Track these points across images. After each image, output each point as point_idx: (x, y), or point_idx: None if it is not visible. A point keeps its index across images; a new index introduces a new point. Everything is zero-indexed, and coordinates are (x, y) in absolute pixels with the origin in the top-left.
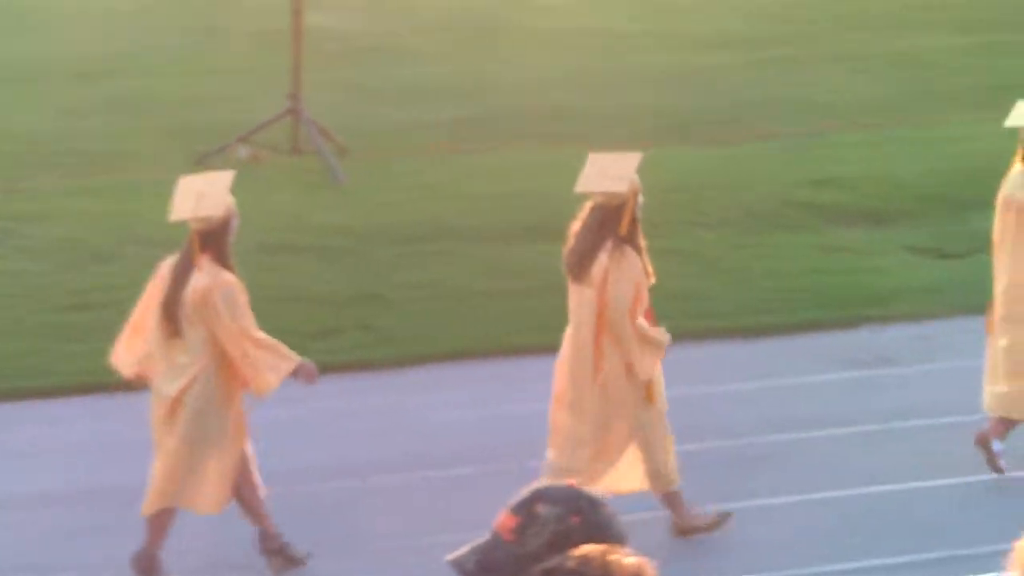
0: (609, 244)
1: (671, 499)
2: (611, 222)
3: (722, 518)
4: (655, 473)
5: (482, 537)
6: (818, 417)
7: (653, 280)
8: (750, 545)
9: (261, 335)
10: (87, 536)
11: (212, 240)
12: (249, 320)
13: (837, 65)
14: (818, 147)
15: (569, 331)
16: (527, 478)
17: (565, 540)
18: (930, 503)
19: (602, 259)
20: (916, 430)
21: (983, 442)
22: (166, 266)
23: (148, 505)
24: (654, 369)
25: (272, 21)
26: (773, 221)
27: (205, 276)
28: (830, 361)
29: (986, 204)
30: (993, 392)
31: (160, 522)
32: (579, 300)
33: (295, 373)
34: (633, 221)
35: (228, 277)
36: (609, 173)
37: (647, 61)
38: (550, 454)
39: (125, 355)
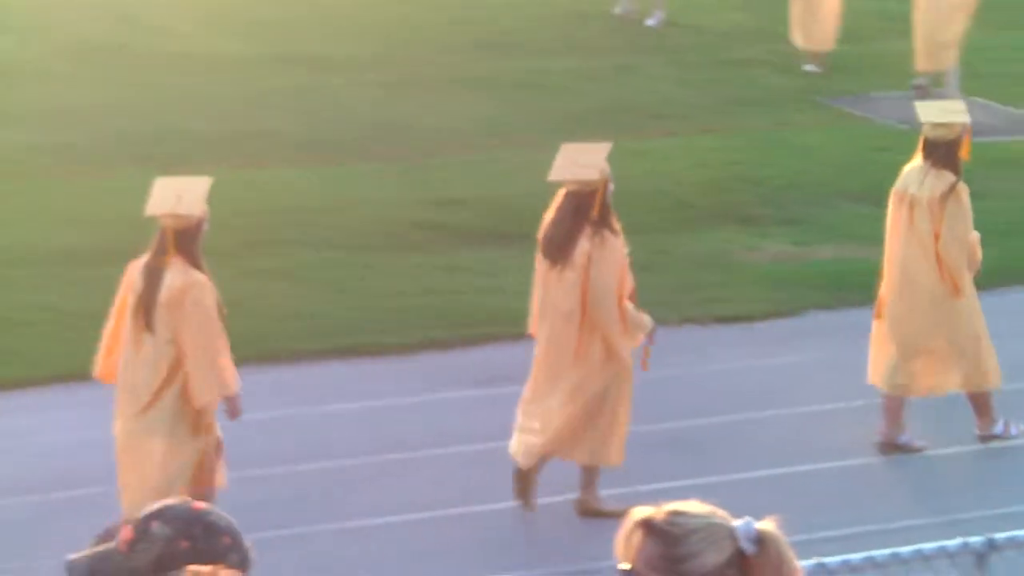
0: (588, 229)
1: (592, 475)
2: (586, 207)
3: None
4: (602, 448)
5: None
6: (432, 435)
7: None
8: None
9: (222, 346)
10: None
11: (186, 240)
12: (216, 326)
13: (458, 87)
14: (440, 168)
15: (543, 320)
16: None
17: (171, 561)
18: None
19: (583, 243)
20: None
21: (887, 444)
22: (134, 267)
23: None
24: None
25: None
26: (395, 241)
27: (179, 275)
28: (449, 380)
29: None
30: (884, 373)
31: None
32: (558, 285)
33: (229, 400)
34: (605, 206)
35: (200, 277)
36: (580, 161)
37: (264, 84)
38: (530, 436)
39: (109, 363)
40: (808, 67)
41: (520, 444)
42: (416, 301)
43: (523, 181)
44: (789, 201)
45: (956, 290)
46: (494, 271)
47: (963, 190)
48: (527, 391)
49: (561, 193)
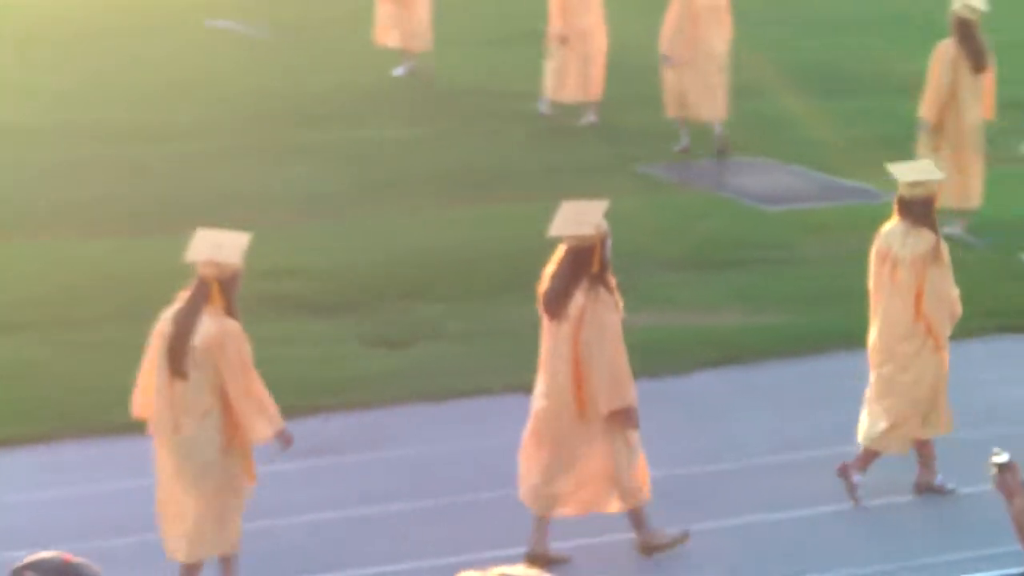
0: (585, 283)
1: (638, 516)
2: (584, 263)
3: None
4: (626, 491)
5: None
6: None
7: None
8: None
9: (261, 387)
10: None
11: (224, 289)
12: (253, 371)
13: (287, 156)
14: (275, 239)
15: (544, 369)
16: None
17: None
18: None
19: (578, 298)
20: (372, 517)
21: (844, 473)
22: (168, 314)
23: (187, 554)
24: (629, 399)
25: None
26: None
27: (214, 323)
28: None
29: (429, 291)
30: (867, 424)
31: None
32: (555, 337)
33: (279, 434)
34: (604, 261)
35: (236, 326)
36: (579, 218)
37: (63, 155)
38: (531, 485)
39: (144, 402)
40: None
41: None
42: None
43: (350, 250)
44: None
45: (938, 346)
46: (325, 341)
47: (944, 248)
48: (527, 442)
49: (561, 249)
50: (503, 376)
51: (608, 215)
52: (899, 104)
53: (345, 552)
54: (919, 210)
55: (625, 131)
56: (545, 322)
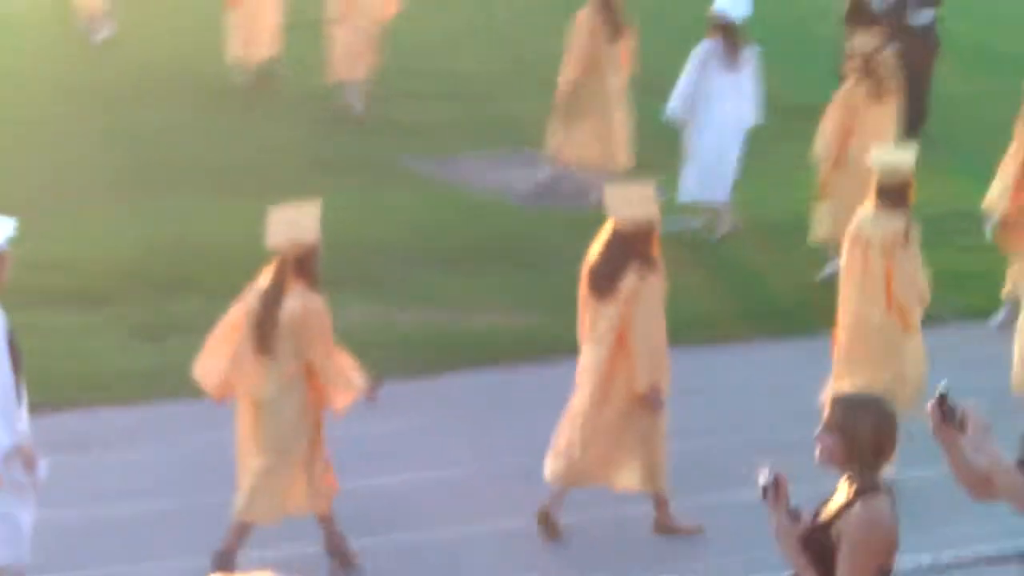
0: (635, 265)
1: (660, 499)
2: (637, 245)
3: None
4: (650, 474)
5: None
6: None
7: None
8: None
9: (343, 356)
10: None
11: (304, 265)
12: (332, 341)
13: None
14: (31, 228)
15: (588, 348)
16: None
17: None
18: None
19: (629, 279)
20: (116, 519)
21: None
22: (254, 290)
23: (241, 512)
24: (664, 383)
25: None
26: None
27: (298, 299)
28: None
29: (191, 284)
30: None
31: (244, 530)
32: (599, 316)
33: (363, 392)
34: (654, 244)
35: (319, 301)
36: (632, 200)
37: None
38: (560, 459)
39: (209, 370)
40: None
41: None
42: None
43: (118, 239)
44: (373, 265)
45: (907, 326)
46: (84, 333)
47: (914, 232)
48: (569, 413)
49: (608, 228)
50: None
51: (374, 210)
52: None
53: (74, 553)
54: (895, 194)
55: (398, 125)
56: (589, 302)
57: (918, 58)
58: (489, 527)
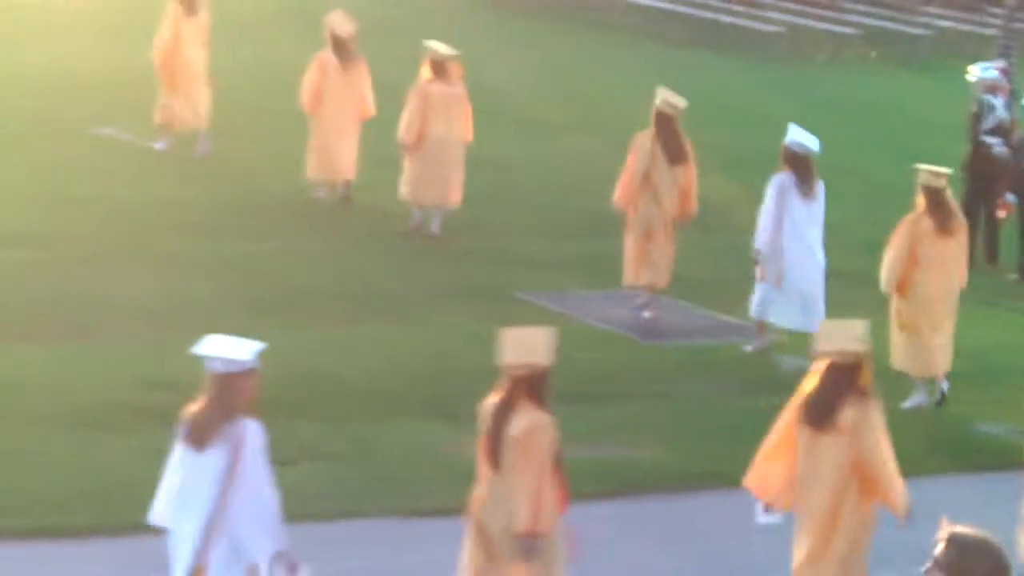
0: (852, 398)
1: None
2: (851, 376)
3: None
4: None
5: None
6: None
7: None
8: None
9: (547, 483)
10: None
11: (534, 385)
12: (547, 464)
13: (161, 265)
14: (150, 349)
15: (803, 489)
16: None
17: None
18: None
19: (847, 412)
20: None
21: None
22: (489, 406)
23: None
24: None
25: None
26: (102, 423)
27: (525, 417)
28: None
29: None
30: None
31: None
32: (818, 449)
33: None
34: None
35: (545, 419)
36: (845, 334)
37: None
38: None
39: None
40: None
41: None
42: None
43: None
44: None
45: None
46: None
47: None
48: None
49: (824, 363)
50: (384, 499)
51: (491, 340)
52: None
53: None
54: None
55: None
56: (804, 437)
57: None
58: None
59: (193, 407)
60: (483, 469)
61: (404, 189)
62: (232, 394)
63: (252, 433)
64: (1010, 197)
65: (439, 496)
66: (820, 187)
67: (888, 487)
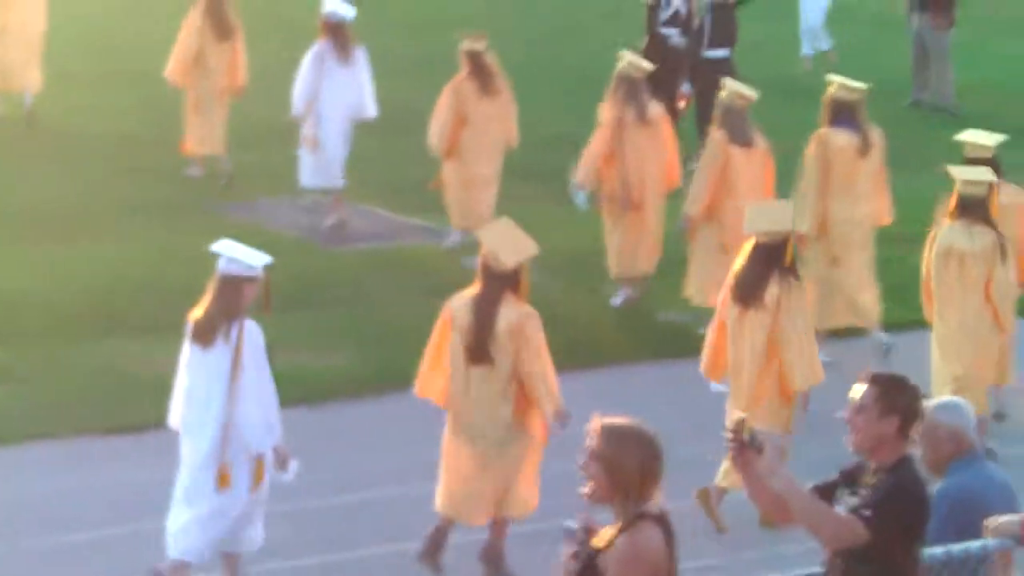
0: (776, 274)
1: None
2: (777, 256)
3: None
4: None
5: None
6: None
7: None
8: None
9: (552, 371)
10: None
11: (514, 279)
12: (546, 350)
13: None
14: None
15: (736, 362)
16: None
17: None
18: None
19: (773, 288)
20: None
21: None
22: (459, 303)
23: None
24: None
25: None
26: None
27: (514, 310)
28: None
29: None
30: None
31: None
32: (745, 325)
33: (558, 413)
34: (794, 255)
35: (532, 311)
36: (770, 215)
37: None
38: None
39: (430, 387)
40: (192, 172)
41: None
42: None
43: None
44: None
45: (1003, 328)
46: None
47: (1008, 243)
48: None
49: (751, 243)
50: (78, 421)
51: (182, 255)
52: None
53: None
54: (978, 207)
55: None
56: (734, 313)
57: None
58: None
59: (199, 308)
60: (465, 363)
61: None
62: (237, 296)
63: (251, 332)
64: (687, 87)
65: (131, 413)
66: (359, 53)
67: (788, 366)
